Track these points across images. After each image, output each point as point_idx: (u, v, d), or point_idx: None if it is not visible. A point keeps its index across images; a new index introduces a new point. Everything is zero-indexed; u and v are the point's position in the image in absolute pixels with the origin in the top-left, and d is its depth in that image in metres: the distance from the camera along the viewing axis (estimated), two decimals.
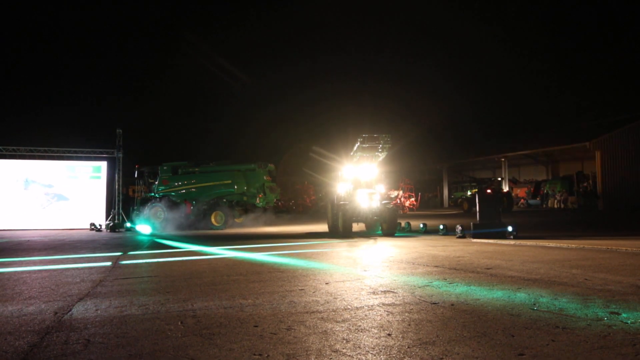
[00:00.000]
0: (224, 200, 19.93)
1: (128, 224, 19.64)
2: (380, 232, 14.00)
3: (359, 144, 13.48)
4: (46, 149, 21.94)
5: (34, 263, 7.61)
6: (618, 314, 3.54)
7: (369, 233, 14.36)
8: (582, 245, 9.17)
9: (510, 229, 11.95)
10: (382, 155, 14.02)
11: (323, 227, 16.12)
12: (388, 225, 13.52)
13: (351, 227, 13.57)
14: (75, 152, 22.16)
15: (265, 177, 20.32)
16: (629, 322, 3.30)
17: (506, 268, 6.15)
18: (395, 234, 13.45)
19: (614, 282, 4.88)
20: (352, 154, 14.24)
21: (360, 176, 14.54)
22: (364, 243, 10.99)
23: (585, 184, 25.99)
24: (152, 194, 20.50)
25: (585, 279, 5.12)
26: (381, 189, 14.57)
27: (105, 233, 18.39)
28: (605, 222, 16.97)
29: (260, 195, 20.04)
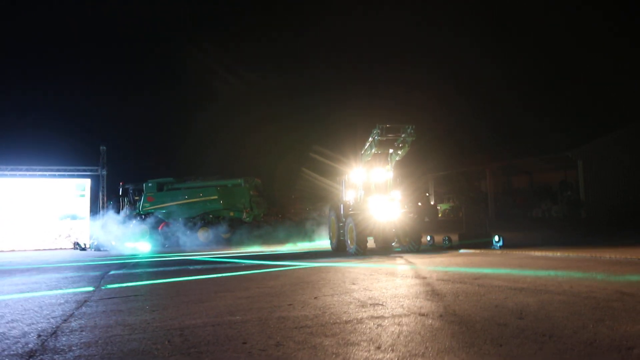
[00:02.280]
0: (210, 216, 19.77)
1: (113, 243, 19.31)
2: (398, 248, 11.97)
3: (375, 136, 10.93)
4: (28, 167, 21.58)
5: (17, 284, 7.42)
6: (603, 320, 3.59)
7: (386, 249, 12.20)
8: (567, 254, 9.30)
9: (496, 238, 12.08)
10: (401, 152, 11.37)
11: (322, 245, 14.96)
12: (411, 238, 11.25)
13: (366, 242, 11.21)
14: (59, 169, 21.84)
15: (251, 192, 20.25)
16: (613, 328, 3.35)
17: (493, 278, 6.20)
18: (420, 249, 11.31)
19: (598, 290, 4.96)
20: (363, 152, 11.79)
21: (373, 180, 12.07)
22: (400, 265, 8.54)
23: (568, 193, 26.46)
24: (137, 211, 20.25)
25: (571, 287, 5.20)
26: (397, 195, 11.98)
27: (89, 252, 18.04)
28: (589, 231, 17.26)
29: (247, 210, 19.94)
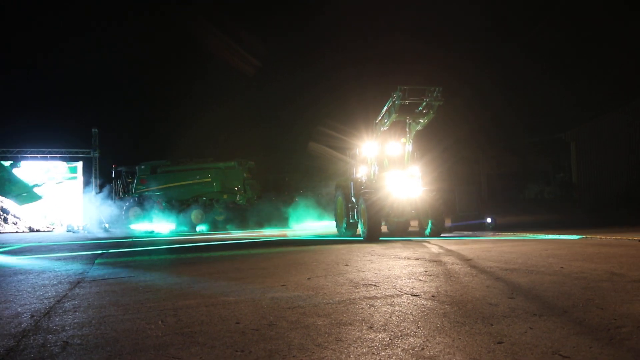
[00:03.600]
0: (204, 198, 19.74)
1: (106, 225, 19.29)
2: (427, 232, 10.18)
3: (396, 100, 9.42)
4: (19, 149, 21.33)
5: (9, 265, 7.39)
6: (593, 300, 3.64)
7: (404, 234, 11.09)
8: (558, 235, 9.41)
9: (489, 220, 12.19)
10: (424, 121, 9.91)
11: (323, 228, 14.56)
12: (436, 221, 9.92)
13: (380, 226, 9.96)
14: (50, 152, 21.62)
15: (245, 175, 20.19)
16: (602, 308, 3.40)
17: (485, 259, 6.27)
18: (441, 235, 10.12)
19: (589, 270, 5.02)
20: (378, 120, 10.32)
21: (389, 153, 10.74)
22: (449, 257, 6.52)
23: (561, 175, 26.68)
24: (130, 194, 20.16)
25: (561, 267, 5.26)
26: (417, 171, 10.58)
27: (82, 234, 18.00)
28: (581, 212, 17.46)
29: (241, 193, 19.91)
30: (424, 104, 9.65)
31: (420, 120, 10.04)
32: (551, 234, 9.77)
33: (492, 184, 31.03)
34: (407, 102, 9.51)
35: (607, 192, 21.81)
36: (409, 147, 10.64)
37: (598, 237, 8.68)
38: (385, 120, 10.06)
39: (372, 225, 9.63)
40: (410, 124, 10.31)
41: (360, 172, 11.05)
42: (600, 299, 3.68)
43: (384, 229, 11.54)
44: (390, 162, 10.83)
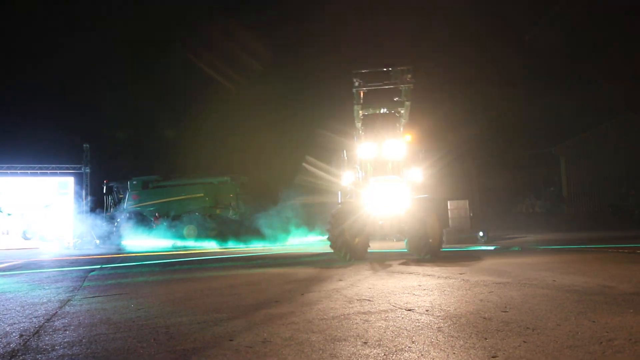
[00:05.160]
0: (197, 213, 19.64)
1: (97, 241, 19.07)
2: (420, 255, 8.36)
3: (354, 89, 8.01)
4: (9, 165, 21.12)
5: None
6: (585, 313, 3.67)
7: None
8: (550, 246, 9.48)
9: (481, 234, 12.25)
10: (404, 111, 8.44)
11: (319, 241, 14.44)
12: (432, 240, 8.19)
13: (348, 245, 8.40)
14: (41, 167, 21.44)
15: (238, 189, 20.16)
16: (594, 320, 3.43)
17: (478, 272, 6.28)
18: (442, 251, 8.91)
19: (580, 283, 5.06)
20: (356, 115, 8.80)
21: (365, 156, 8.91)
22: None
23: (552, 189, 26.97)
24: (122, 210, 20.01)
25: (554, 281, 5.29)
26: (417, 176, 8.90)
27: (73, 250, 17.76)
28: (571, 226, 17.61)
29: (234, 208, 19.85)
30: (400, 91, 8.15)
31: (401, 110, 8.49)
32: (543, 247, 9.84)
33: (483, 198, 31.22)
34: (365, 90, 8.01)
35: (597, 204, 22.04)
36: (400, 145, 8.81)
37: (589, 250, 8.75)
38: (356, 116, 8.63)
39: (334, 244, 8.44)
40: (399, 117, 8.80)
41: (347, 179, 9.14)
42: (592, 311, 3.71)
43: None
44: (376, 166, 9.03)
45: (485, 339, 3.07)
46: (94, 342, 3.38)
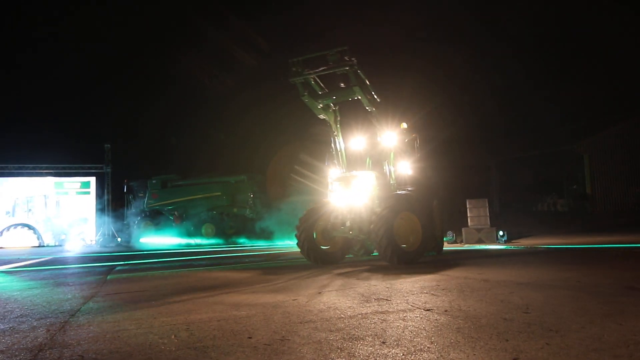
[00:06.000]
0: (214, 212, 19.85)
1: (118, 239, 19.48)
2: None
3: (292, 78, 7.43)
4: (34, 165, 21.73)
5: (25, 280, 7.49)
6: (611, 315, 3.58)
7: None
8: (573, 247, 9.27)
9: (501, 233, 12.06)
10: (364, 100, 7.49)
11: None
12: (388, 245, 6.96)
13: (316, 249, 8.06)
14: (64, 168, 22.00)
15: (255, 188, 20.29)
16: (622, 324, 3.34)
17: (498, 272, 6.19)
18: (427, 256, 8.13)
19: (605, 284, 4.94)
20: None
21: (355, 149, 8.33)
22: None
23: (574, 187, 26.36)
24: (142, 208, 20.36)
25: (578, 281, 5.17)
26: (404, 169, 8.31)
27: (95, 248, 18.18)
28: (595, 225, 17.18)
29: (251, 206, 19.99)
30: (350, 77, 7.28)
31: (357, 97, 7.57)
32: (565, 246, 9.63)
33: (504, 196, 30.70)
34: (301, 79, 7.41)
35: (621, 203, 21.46)
36: (372, 137, 8.29)
37: (614, 250, 8.53)
38: (317, 109, 7.84)
39: (302, 247, 8.00)
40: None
41: (330, 177, 8.34)
42: (618, 314, 3.61)
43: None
44: (352, 160, 8.46)
45: (507, 340, 3.02)
46: (116, 338, 3.46)
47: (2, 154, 22.27)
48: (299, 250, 8.28)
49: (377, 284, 5.58)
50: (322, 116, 7.93)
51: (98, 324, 3.96)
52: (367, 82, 7.48)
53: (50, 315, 4.41)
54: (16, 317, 4.38)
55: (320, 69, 7.33)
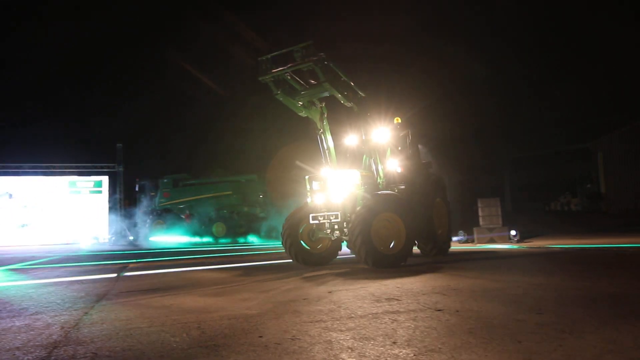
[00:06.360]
0: (225, 211, 19.98)
1: (131, 237, 19.71)
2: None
3: (261, 77, 7.21)
4: (48, 165, 22.08)
5: (40, 277, 7.61)
6: (627, 317, 3.52)
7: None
8: (586, 247, 9.13)
9: (513, 232, 11.95)
10: (339, 96, 7.24)
11: None
12: (362, 246, 6.57)
13: (303, 250, 7.93)
14: (77, 167, 22.31)
15: (265, 187, 20.39)
16: (638, 326, 3.28)
17: (510, 273, 6.13)
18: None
19: (620, 285, 4.86)
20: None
21: (327, 145, 7.77)
22: None
23: (588, 186, 25.97)
24: (153, 207, 20.57)
25: (591, 283, 5.10)
26: (394, 166, 8.16)
27: (108, 246, 18.41)
28: (609, 224, 16.92)
29: (261, 205, 20.09)
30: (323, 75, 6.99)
31: (327, 93, 7.34)
32: (578, 246, 9.50)
33: (515, 195, 30.39)
34: (270, 78, 7.19)
35: (638, 201, 21.10)
36: (353, 134, 8.06)
37: (631, 250, 8.39)
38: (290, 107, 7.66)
39: (284, 247, 7.92)
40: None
41: (310, 176, 8.04)
42: (634, 316, 3.55)
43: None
44: (345, 159, 8.37)
45: (519, 342, 2.99)
46: (129, 336, 3.50)
47: (17, 154, 22.70)
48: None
49: (388, 284, 5.56)
50: (303, 114, 7.63)
51: (111, 322, 4.01)
52: (344, 78, 7.23)
53: (64, 313, 4.48)
54: (31, 314, 4.45)
55: (287, 66, 7.03)
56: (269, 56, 7.12)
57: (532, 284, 5.12)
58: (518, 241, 11.64)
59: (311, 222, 7.54)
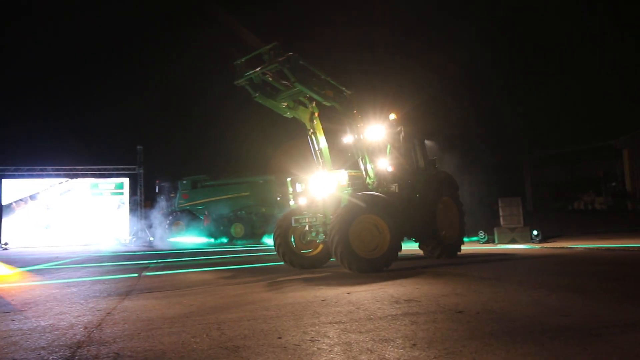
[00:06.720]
0: (243, 212, 20.13)
1: (151, 238, 20.02)
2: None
3: (237, 81, 7.04)
4: (71, 167, 22.61)
5: (63, 278, 7.80)
6: None
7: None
8: (612, 247, 8.89)
9: (535, 233, 11.72)
10: (318, 96, 7.04)
11: None
12: (341, 249, 6.41)
13: (295, 253, 7.86)
14: (99, 169, 22.79)
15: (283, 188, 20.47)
16: None
17: (534, 273, 6.00)
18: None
19: None
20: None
21: (317, 145, 7.66)
22: None
23: (613, 184, 25.27)
24: (173, 208, 20.86)
25: (619, 285, 4.95)
26: (384, 165, 7.77)
27: (129, 247, 18.75)
28: (635, 222, 16.42)
29: (279, 206, 20.16)
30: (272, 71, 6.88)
31: (312, 94, 7.04)
32: (603, 246, 9.24)
33: (537, 194, 29.79)
34: (244, 81, 7.02)
35: None
36: (350, 139, 7.63)
37: None
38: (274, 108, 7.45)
39: (276, 250, 7.93)
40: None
41: (292, 179, 8.13)
42: None
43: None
44: (338, 160, 8.16)
45: (543, 344, 2.92)
46: (151, 336, 3.55)
47: (43, 157, 23.33)
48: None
49: (406, 285, 5.51)
50: (288, 115, 7.43)
51: (133, 322, 4.07)
52: (323, 76, 7.04)
53: (87, 313, 4.57)
54: (56, 314, 4.56)
55: (258, 68, 6.89)
56: (242, 60, 7.01)
57: (557, 285, 5.00)
58: (540, 241, 11.40)
59: (293, 224, 7.44)
